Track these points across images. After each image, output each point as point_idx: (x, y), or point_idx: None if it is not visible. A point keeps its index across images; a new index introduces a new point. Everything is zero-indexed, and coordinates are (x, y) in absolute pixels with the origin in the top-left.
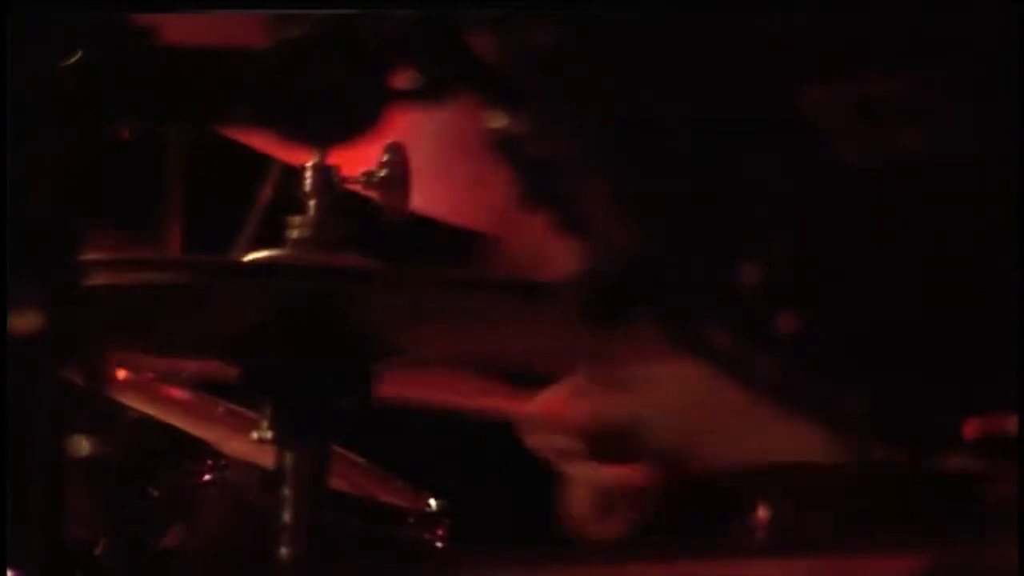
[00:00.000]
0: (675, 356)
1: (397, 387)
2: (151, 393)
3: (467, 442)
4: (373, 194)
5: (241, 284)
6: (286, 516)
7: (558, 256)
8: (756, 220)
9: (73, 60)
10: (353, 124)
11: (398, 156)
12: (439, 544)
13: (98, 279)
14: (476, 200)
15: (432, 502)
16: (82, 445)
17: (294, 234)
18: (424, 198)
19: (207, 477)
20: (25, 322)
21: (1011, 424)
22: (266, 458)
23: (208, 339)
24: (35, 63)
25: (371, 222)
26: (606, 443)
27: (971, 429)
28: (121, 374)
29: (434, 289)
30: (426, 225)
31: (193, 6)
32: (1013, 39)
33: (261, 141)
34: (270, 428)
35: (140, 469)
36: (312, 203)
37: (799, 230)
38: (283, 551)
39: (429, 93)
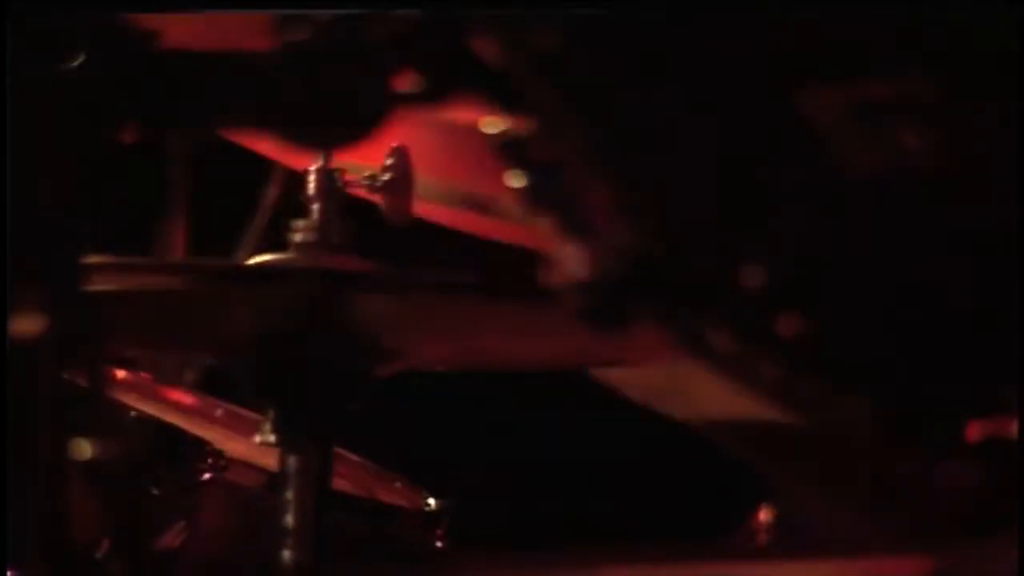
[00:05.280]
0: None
1: None
2: (151, 395)
3: (467, 442)
4: (376, 198)
5: (243, 288)
6: (287, 517)
7: (561, 259)
8: (758, 222)
9: (75, 62)
10: (356, 127)
11: (401, 159)
12: (439, 544)
13: (100, 282)
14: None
15: (432, 502)
16: (82, 446)
17: (297, 237)
18: (426, 201)
19: (208, 476)
20: (27, 324)
21: (1013, 427)
22: (267, 459)
23: (210, 342)
24: (38, 64)
25: (374, 225)
26: None
27: (974, 432)
28: (121, 375)
29: (436, 293)
30: (429, 229)
31: (194, 6)
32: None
33: (264, 145)
34: (272, 430)
35: (142, 470)
36: (316, 207)
37: (801, 232)
38: (284, 552)
39: (432, 96)
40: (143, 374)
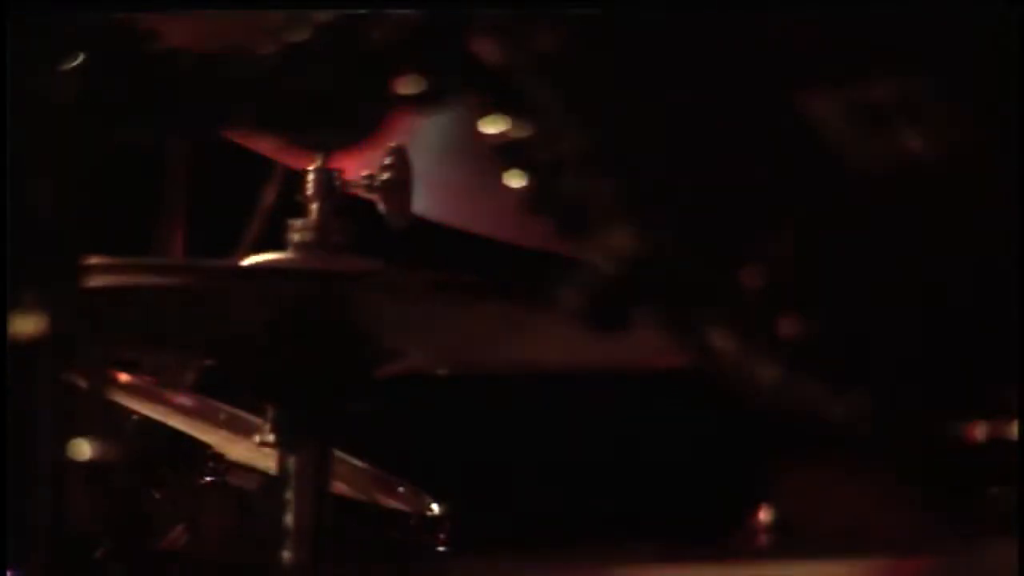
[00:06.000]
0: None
1: None
2: (152, 397)
3: (470, 445)
4: (375, 198)
5: (243, 288)
6: (288, 520)
7: (560, 260)
8: (758, 223)
9: (76, 62)
10: (356, 129)
11: (401, 160)
12: (441, 548)
13: (100, 282)
14: (478, 204)
15: (434, 506)
16: (82, 446)
17: (296, 238)
18: (426, 202)
19: (209, 479)
20: (27, 324)
21: (1013, 427)
22: (268, 462)
23: (211, 343)
24: (38, 64)
25: (373, 226)
26: None
27: (974, 432)
28: (123, 378)
29: (436, 294)
30: (429, 229)
31: (194, 6)
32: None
33: (264, 145)
34: (272, 432)
35: (142, 471)
36: (315, 207)
37: (801, 233)
38: (285, 555)
39: (432, 97)
40: (145, 377)
